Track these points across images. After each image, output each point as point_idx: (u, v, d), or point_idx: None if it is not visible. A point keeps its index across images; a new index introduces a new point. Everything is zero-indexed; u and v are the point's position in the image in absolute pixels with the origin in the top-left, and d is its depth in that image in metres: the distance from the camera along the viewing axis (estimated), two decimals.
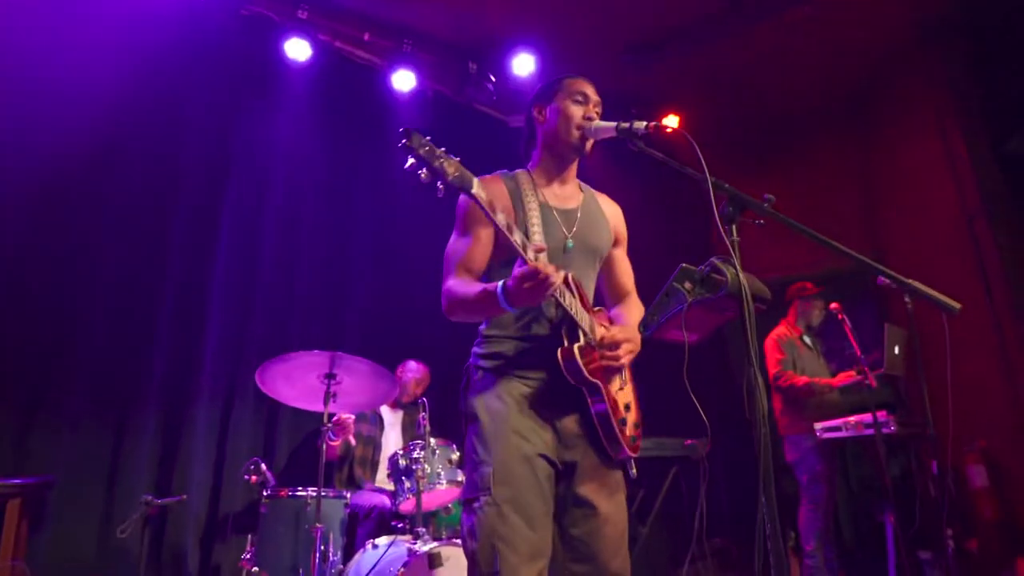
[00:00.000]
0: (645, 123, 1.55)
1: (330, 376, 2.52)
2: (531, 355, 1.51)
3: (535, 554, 1.35)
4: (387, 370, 2.66)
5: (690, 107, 5.06)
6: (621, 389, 1.59)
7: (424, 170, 1.30)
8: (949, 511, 3.36)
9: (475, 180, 1.38)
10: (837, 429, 3.44)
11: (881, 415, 3.23)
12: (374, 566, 2.36)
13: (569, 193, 1.72)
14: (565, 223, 1.64)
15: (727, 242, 1.30)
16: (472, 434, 1.49)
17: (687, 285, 1.31)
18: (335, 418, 2.94)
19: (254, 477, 2.63)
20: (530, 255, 1.38)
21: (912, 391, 4.12)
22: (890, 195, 4.76)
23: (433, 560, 2.29)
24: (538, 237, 1.55)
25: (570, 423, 1.50)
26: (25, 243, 3.07)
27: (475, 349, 1.60)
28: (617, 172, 5.24)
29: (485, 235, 1.59)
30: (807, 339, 4.00)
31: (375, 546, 2.50)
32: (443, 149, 1.35)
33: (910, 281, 1.12)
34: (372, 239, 4.32)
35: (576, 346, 1.45)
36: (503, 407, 1.46)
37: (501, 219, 1.38)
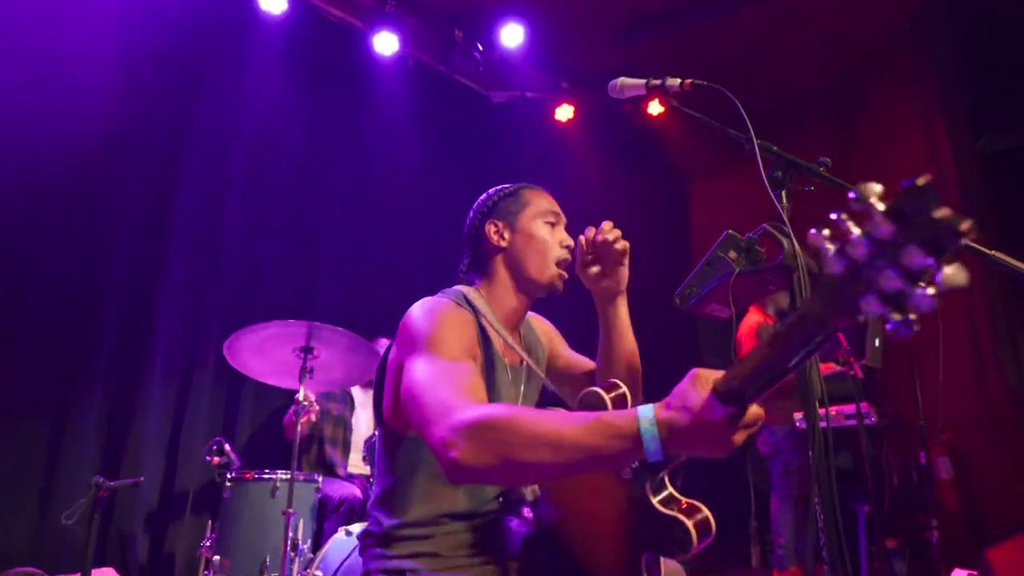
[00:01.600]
0: (680, 80, 1.43)
1: (306, 350, 2.32)
2: (484, 541, 1.15)
3: None
4: (368, 345, 2.47)
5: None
6: None
7: None
8: (919, 501, 3.43)
9: None
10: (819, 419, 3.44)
11: (863, 406, 3.23)
12: (350, 553, 2.19)
13: (520, 344, 1.35)
14: (516, 391, 1.30)
15: (778, 208, 1.18)
16: None
17: (732, 254, 1.19)
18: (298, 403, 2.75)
19: (216, 458, 2.42)
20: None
21: (889, 384, 4.16)
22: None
23: None
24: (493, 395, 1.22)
25: None
26: None
27: (385, 551, 1.15)
28: (597, 155, 5.18)
29: (476, 368, 1.11)
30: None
31: (348, 533, 2.33)
32: None
33: (993, 253, 1.02)
34: (344, 207, 4.09)
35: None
36: None
37: None
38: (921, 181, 0.53)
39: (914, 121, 4.35)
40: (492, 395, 1.19)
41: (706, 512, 0.94)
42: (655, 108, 5.23)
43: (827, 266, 0.58)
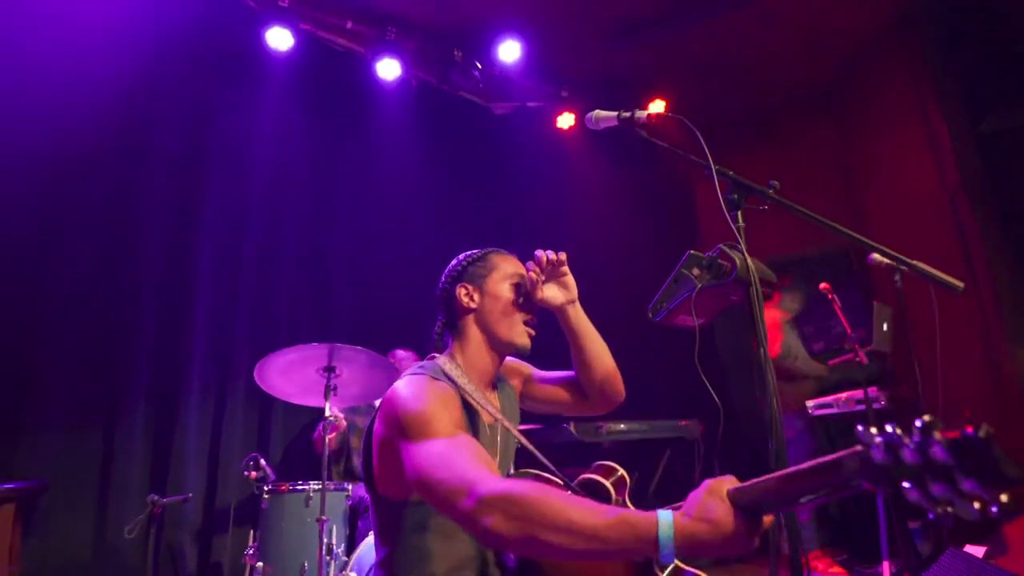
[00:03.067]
0: (647, 112, 1.56)
1: (329, 369, 2.50)
2: None
3: None
4: (385, 360, 2.65)
5: (674, 91, 5.07)
6: None
7: None
8: None
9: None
10: (829, 406, 3.52)
11: (872, 391, 3.30)
12: None
13: (494, 400, 1.40)
14: (491, 445, 1.33)
15: (733, 228, 1.31)
16: None
17: (695, 271, 1.33)
18: (325, 420, 2.94)
19: (254, 473, 2.61)
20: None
21: (899, 367, 4.21)
22: (871, 176, 4.84)
23: None
24: None
25: None
26: None
27: None
28: (605, 161, 5.29)
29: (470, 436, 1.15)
30: (790, 322, 4.13)
31: None
32: None
33: (915, 263, 1.14)
34: (354, 229, 4.30)
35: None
36: None
37: None
38: (983, 432, 0.58)
39: (911, 107, 4.38)
40: None
41: None
42: (655, 109, 5.34)
43: (874, 452, 0.65)
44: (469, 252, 1.45)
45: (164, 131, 3.61)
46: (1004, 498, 0.56)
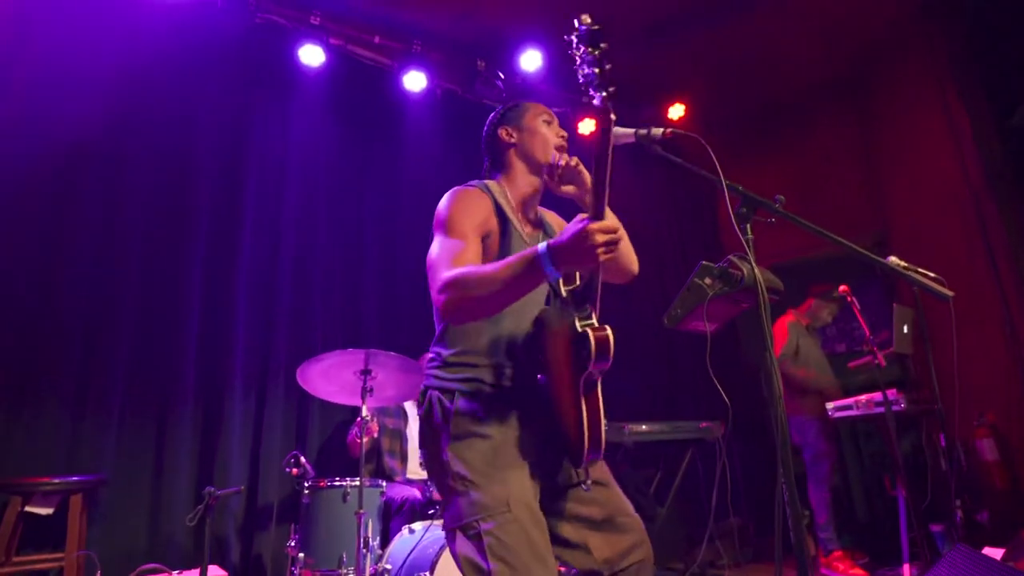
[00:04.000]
0: (662, 129, 1.67)
1: (366, 372, 2.66)
2: (510, 378, 1.45)
3: (555, 566, 1.34)
4: (416, 363, 2.79)
5: (694, 93, 5.14)
6: None
7: None
8: (959, 484, 3.48)
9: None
10: (848, 408, 3.57)
11: (891, 393, 3.34)
12: (414, 548, 2.51)
13: (538, 222, 1.70)
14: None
15: (742, 240, 1.41)
16: (467, 451, 1.38)
17: (707, 281, 1.43)
18: (358, 421, 3.09)
19: (295, 470, 2.78)
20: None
21: (920, 369, 4.21)
22: (894, 170, 4.82)
23: None
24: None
25: (551, 444, 1.43)
26: (51, 242, 3.20)
27: (441, 373, 1.48)
28: (632, 172, 5.37)
29: (476, 239, 1.47)
30: (807, 328, 4.18)
31: (411, 531, 2.66)
32: None
33: (908, 272, 1.23)
34: (384, 236, 4.46)
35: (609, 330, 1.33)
36: (498, 427, 1.40)
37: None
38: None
39: (933, 100, 4.37)
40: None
41: (608, 331, 1.28)
42: (676, 112, 5.40)
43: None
44: (505, 104, 1.76)
45: (206, 144, 3.82)
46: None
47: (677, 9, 4.49)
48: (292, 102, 4.27)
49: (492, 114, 1.75)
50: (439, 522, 2.65)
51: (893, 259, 2.58)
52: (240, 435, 3.52)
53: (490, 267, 1.31)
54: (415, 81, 4.48)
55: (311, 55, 4.14)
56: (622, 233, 1.29)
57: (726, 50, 4.83)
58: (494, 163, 1.71)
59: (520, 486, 1.35)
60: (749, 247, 1.39)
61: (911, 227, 4.56)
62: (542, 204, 1.76)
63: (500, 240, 1.52)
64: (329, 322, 4.02)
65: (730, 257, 1.39)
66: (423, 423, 1.49)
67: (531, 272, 1.25)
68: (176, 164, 3.69)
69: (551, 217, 1.79)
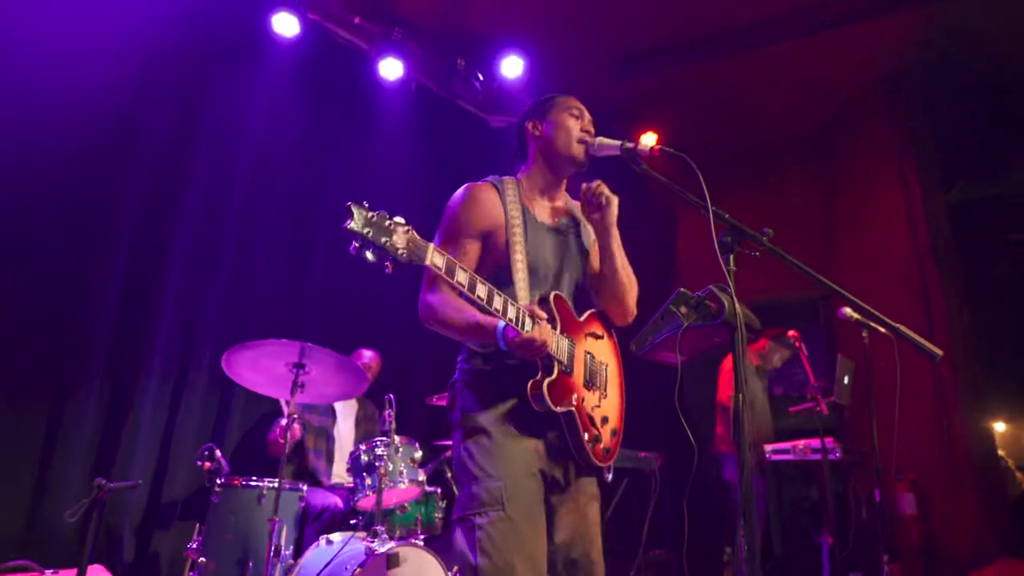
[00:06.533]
0: (650, 145, 1.58)
1: (299, 366, 2.45)
2: (520, 373, 1.50)
3: (544, 567, 1.40)
4: (352, 362, 2.61)
5: (666, 126, 5.17)
6: (598, 405, 1.60)
7: (369, 252, 1.22)
8: (883, 536, 3.56)
9: (430, 247, 1.30)
10: (787, 452, 3.59)
11: (828, 441, 3.38)
12: (328, 563, 2.31)
13: (560, 209, 1.75)
14: (556, 243, 1.67)
15: (724, 271, 1.33)
16: (473, 447, 1.47)
17: (683, 309, 1.34)
18: (281, 418, 2.87)
19: (208, 463, 2.53)
20: (527, 326, 1.40)
21: (855, 421, 4.31)
22: (848, 232, 4.98)
23: (391, 560, 2.26)
24: (520, 251, 1.57)
25: (553, 438, 1.51)
26: None
27: (465, 365, 1.59)
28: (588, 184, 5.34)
29: (473, 247, 1.57)
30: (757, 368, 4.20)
31: (329, 542, 2.45)
32: (389, 217, 1.26)
33: (898, 326, 1.18)
34: (340, 221, 4.21)
35: (546, 381, 1.44)
36: (508, 421, 1.47)
37: (480, 292, 1.36)
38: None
39: (891, 168, 4.55)
40: (530, 248, 1.59)
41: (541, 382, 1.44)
42: (648, 140, 5.44)
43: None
44: (541, 96, 1.79)
45: (154, 105, 3.50)
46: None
47: (662, 41, 4.54)
48: (259, 69, 4.00)
49: (527, 108, 1.80)
50: (361, 534, 2.47)
51: (847, 311, 2.58)
52: (150, 420, 3.20)
53: (458, 314, 1.49)
54: (391, 69, 4.30)
55: (286, 24, 3.91)
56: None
57: (702, 89, 4.90)
58: (519, 152, 1.78)
59: (520, 484, 1.40)
60: (731, 278, 1.31)
61: (859, 289, 4.69)
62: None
63: (509, 232, 1.59)
64: (267, 307, 3.76)
65: (710, 287, 1.31)
66: (447, 416, 1.59)
67: (488, 337, 1.45)
68: (118, 124, 3.33)
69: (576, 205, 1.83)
